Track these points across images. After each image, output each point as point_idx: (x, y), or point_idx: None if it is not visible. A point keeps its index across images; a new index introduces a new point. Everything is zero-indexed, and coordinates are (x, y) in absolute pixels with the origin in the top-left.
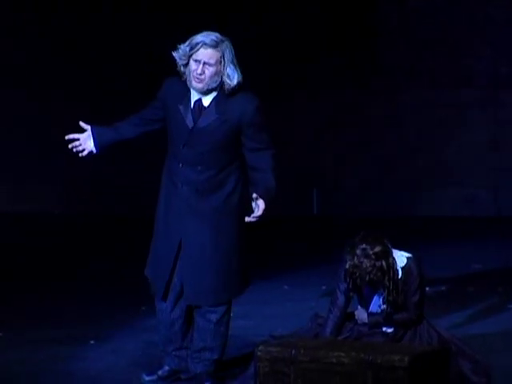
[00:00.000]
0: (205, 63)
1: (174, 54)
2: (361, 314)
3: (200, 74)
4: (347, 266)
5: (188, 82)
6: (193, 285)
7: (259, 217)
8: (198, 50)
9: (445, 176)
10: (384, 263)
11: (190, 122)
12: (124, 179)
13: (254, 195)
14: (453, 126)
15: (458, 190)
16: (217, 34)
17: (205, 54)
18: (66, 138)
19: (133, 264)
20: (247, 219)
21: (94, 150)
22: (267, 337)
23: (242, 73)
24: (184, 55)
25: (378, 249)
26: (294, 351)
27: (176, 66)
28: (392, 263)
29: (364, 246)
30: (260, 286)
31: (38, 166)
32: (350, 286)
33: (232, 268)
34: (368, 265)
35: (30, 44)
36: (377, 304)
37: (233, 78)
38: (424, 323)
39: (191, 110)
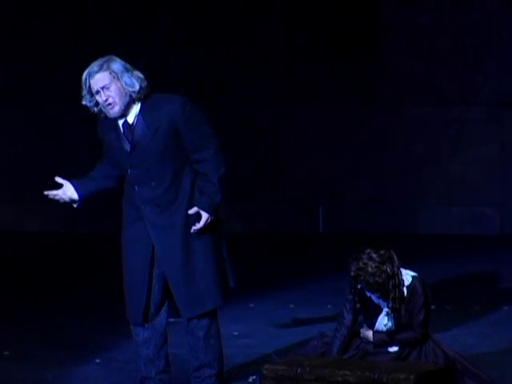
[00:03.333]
0: (103, 88)
1: (84, 102)
2: (366, 333)
3: (106, 101)
4: (352, 271)
5: (108, 115)
6: (181, 299)
7: (200, 229)
8: (90, 82)
9: (449, 193)
10: (388, 268)
11: (126, 145)
12: None
13: (195, 208)
14: (457, 142)
15: (463, 207)
16: (98, 60)
17: (96, 81)
18: (45, 193)
19: None
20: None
21: (77, 197)
22: (272, 355)
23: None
24: (89, 97)
25: (382, 252)
26: (299, 369)
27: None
28: (397, 270)
29: (368, 250)
30: (265, 304)
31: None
32: (356, 296)
33: (207, 279)
34: (373, 266)
35: None
36: (382, 323)
37: (133, 84)
38: (430, 342)
39: (122, 133)
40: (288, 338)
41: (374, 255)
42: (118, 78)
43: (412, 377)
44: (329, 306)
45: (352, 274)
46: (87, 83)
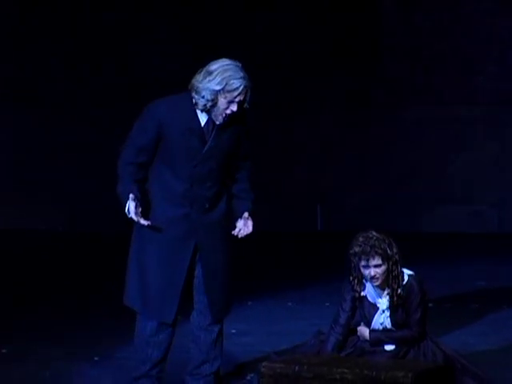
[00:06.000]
0: (239, 102)
1: (204, 90)
2: (363, 331)
3: (232, 113)
4: (352, 247)
5: (208, 113)
6: (217, 301)
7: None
8: (238, 93)
9: (448, 192)
10: (389, 249)
11: (203, 142)
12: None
13: (246, 215)
14: (456, 142)
15: (462, 206)
16: (238, 69)
17: (242, 95)
18: (142, 222)
19: None
20: (239, 235)
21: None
22: (271, 353)
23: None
24: (210, 96)
25: (383, 236)
26: (297, 368)
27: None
28: (397, 258)
29: (371, 231)
30: (264, 302)
31: (44, 185)
32: (355, 279)
33: (231, 281)
34: (374, 239)
35: None
36: (378, 322)
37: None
38: (428, 341)
39: (203, 130)
40: (286, 336)
41: (376, 234)
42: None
43: (410, 375)
44: (327, 304)
45: (352, 250)
46: (236, 90)
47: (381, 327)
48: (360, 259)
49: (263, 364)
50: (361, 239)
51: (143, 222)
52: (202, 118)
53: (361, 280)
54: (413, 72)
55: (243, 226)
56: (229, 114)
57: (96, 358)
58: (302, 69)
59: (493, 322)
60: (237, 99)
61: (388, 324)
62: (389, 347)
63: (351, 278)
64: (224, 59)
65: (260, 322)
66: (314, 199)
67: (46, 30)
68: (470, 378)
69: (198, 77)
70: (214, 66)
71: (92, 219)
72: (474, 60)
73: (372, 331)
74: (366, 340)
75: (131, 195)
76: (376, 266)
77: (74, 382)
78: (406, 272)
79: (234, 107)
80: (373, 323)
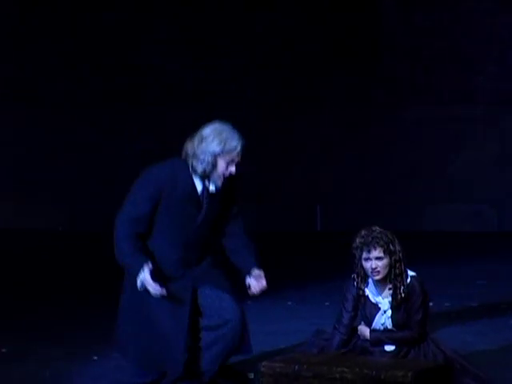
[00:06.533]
0: (234, 162)
1: (203, 154)
2: (363, 330)
3: (230, 173)
4: (356, 239)
5: (207, 178)
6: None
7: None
8: (237, 153)
9: (448, 191)
10: (391, 245)
11: (198, 209)
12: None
13: (257, 272)
14: (456, 141)
15: (462, 205)
16: (234, 131)
17: (239, 155)
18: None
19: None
20: (254, 293)
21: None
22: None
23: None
24: (216, 155)
25: (387, 232)
26: (297, 367)
27: None
28: (400, 256)
29: (369, 227)
30: (263, 302)
31: (43, 184)
32: (359, 278)
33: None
34: (378, 231)
35: None
36: (379, 322)
37: None
38: (428, 342)
39: (199, 197)
40: (286, 336)
41: (380, 229)
42: None
43: (410, 374)
44: (327, 304)
45: (354, 244)
46: (232, 151)
47: (382, 327)
48: (362, 251)
49: (263, 363)
50: (364, 232)
51: (164, 293)
52: (198, 185)
53: (364, 277)
54: (413, 72)
55: (256, 283)
56: (227, 177)
57: (95, 358)
58: (302, 69)
59: (492, 321)
60: (236, 160)
61: (389, 324)
62: (389, 348)
63: (354, 276)
64: (214, 122)
65: (259, 321)
66: (313, 199)
67: (46, 30)
68: (470, 379)
69: (192, 143)
70: (207, 130)
71: (92, 219)
72: (474, 60)
73: (373, 331)
74: (367, 339)
75: (146, 268)
76: (377, 259)
77: (74, 382)
78: (409, 273)
79: (233, 168)
80: (374, 323)
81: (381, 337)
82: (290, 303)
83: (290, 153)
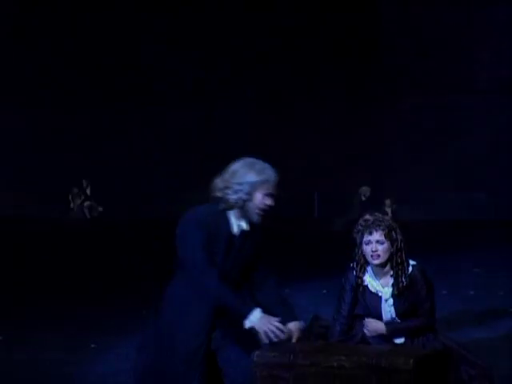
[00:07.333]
0: (273, 196)
1: (240, 185)
2: (374, 325)
3: (267, 206)
4: (355, 229)
5: (253, 219)
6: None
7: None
8: (274, 183)
9: (445, 180)
10: (393, 232)
11: (235, 248)
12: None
13: (299, 323)
14: (453, 129)
15: (458, 193)
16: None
17: (275, 185)
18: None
19: (134, 269)
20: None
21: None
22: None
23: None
24: (254, 184)
25: (385, 216)
26: (292, 356)
27: None
28: (401, 244)
29: (371, 213)
30: None
31: (44, 185)
32: (358, 266)
33: None
34: (380, 216)
35: None
36: (387, 311)
37: None
38: (428, 332)
39: (236, 236)
40: (283, 323)
41: (382, 215)
42: None
43: (411, 361)
44: (324, 291)
45: (356, 228)
46: (268, 182)
47: (389, 315)
48: (363, 235)
49: (256, 353)
50: (366, 216)
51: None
52: (234, 224)
53: (363, 265)
54: (413, 71)
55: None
56: (266, 211)
57: (93, 346)
58: (302, 69)
59: (489, 308)
60: (272, 191)
61: (393, 313)
62: (399, 340)
63: (353, 264)
64: (242, 158)
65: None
66: (311, 186)
67: (46, 30)
68: (469, 367)
69: (222, 178)
70: (236, 165)
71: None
72: (472, 48)
73: (387, 324)
74: (382, 334)
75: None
76: (378, 242)
77: (72, 369)
78: (410, 262)
79: (270, 201)
80: (383, 314)
81: (397, 328)
82: (287, 290)
83: (289, 152)
